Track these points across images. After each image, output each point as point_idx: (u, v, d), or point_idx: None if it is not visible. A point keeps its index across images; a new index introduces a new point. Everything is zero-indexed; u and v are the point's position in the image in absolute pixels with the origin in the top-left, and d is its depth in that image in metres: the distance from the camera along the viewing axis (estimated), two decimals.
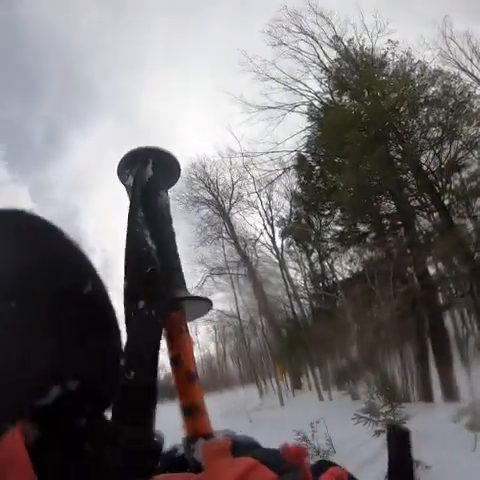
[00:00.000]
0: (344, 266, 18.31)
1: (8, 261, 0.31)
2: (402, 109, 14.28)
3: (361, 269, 15.93)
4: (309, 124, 17.47)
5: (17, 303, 0.30)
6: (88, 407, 0.35)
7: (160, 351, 0.53)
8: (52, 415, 0.32)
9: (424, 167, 14.26)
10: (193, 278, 22.90)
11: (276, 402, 16.52)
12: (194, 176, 22.88)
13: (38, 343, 0.30)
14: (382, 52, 15.48)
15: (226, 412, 13.04)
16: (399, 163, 14.65)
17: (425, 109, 14.16)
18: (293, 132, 17.68)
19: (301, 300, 20.45)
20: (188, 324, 0.67)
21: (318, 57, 16.57)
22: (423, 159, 14.31)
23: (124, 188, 0.68)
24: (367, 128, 14.25)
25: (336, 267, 19.00)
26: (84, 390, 0.33)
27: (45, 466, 0.33)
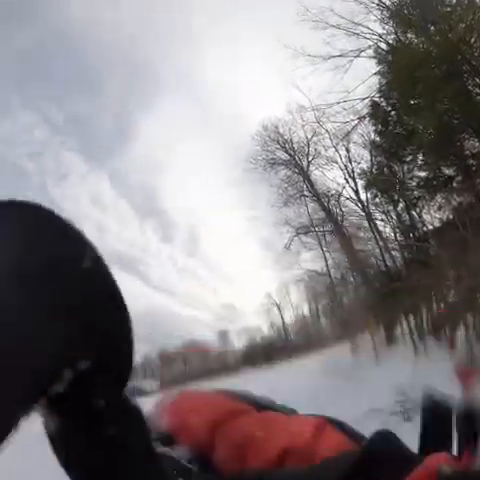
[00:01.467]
0: (433, 214, 17.31)
1: (7, 248, 0.31)
2: (473, 40, 12.73)
3: (451, 216, 14.97)
4: (378, 68, 16.37)
5: (18, 288, 0.30)
6: (104, 387, 0.35)
7: None
8: (68, 400, 0.32)
9: None
10: (280, 240, 23.23)
11: (371, 357, 16.44)
12: (268, 138, 22.80)
13: (43, 326, 0.29)
14: None
15: (323, 371, 13.26)
16: (478, 97, 13.24)
17: None
18: (363, 78, 16.75)
19: (392, 252, 19.76)
20: None
21: None
22: None
23: None
24: (438, 64, 12.99)
25: (425, 216, 18.01)
26: (97, 369, 0.33)
27: (68, 454, 0.35)
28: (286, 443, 0.50)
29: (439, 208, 16.48)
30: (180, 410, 0.57)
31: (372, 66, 16.49)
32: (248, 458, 0.51)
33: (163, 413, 0.56)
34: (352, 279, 22.76)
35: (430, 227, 17.37)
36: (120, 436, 0.36)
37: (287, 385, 14.80)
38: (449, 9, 13.54)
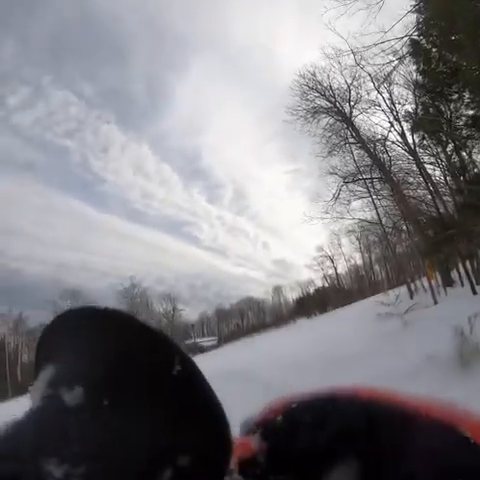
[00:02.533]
0: None
1: (98, 358, 0.34)
2: None
3: None
4: (413, 3, 15.23)
5: (111, 400, 0.31)
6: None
7: None
8: None
9: None
10: (328, 190, 22.94)
11: (429, 301, 16.31)
12: (306, 87, 22.11)
13: (141, 431, 0.31)
14: None
15: (377, 316, 13.25)
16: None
17: None
18: (398, 16, 15.67)
19: (444, 197, 19.05)
20: None
21: None
22: None
23: None
24: None
25: (475, 156, 17.11)
26: (195, 466, 0.33)
27: None
28: None
29: None
30: None
31: (406, 2, 15.41)
32: None
33: None
34: (405, 227, 22.24)
35: None
36: None
37: (342, 331, 15.01)
38: None
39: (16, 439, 0.28)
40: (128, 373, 0.33)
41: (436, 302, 16.30)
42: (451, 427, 0.38)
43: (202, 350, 51.66)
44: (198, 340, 62.64)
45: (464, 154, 17.50)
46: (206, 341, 60.81)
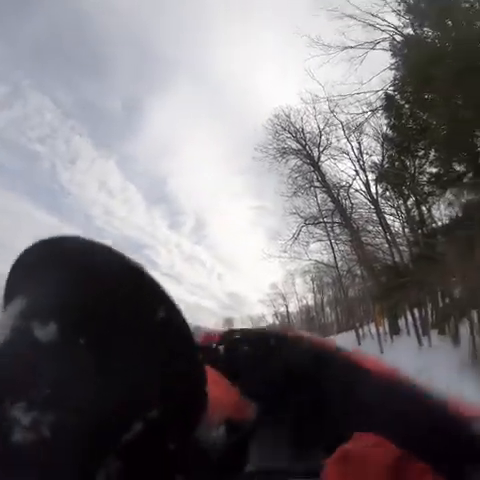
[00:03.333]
0: (443, 211, 17.23)
1: (74, 295, 0.31)
2: None
3: (460, 213, 14.90)
4: (393, 61, 16.18)
5: (88, 339, 0.29)
6: (174, 432, 0.34)
7: None
8: (137, 447, 0.31)
9: None
10: (288, 230, 23.24)
11: (375, 348, 16.51)
12: (279, 127, 22.69)
13: (116, 378, 0.29)
14: None
15: None
16: None
17: None
18: (377, 71, 16.58)
19: (400, 247, 19.73)
20: None
21: None
22: None
23: None
24: (454, 60, 12.82)
25: (434, 212, 17.93)
26: (167, 417, 0.32)
27: None
28: None
29: (449, 204, 16.41)
30: None
31: (387, 59, 16.33)
32: None
33: None
34: (359, 272, 22.76)
35: (439, 223, 17.30)
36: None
37: None
38: (467, 5, 13.33)
39: None
40: (108, 313, 0.31)
41: (382, 351, 16.49)
42: (395, 380, 0.40)
43: None
44: None
45: (424, 209, 18.27)
46: None
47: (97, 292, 0.31)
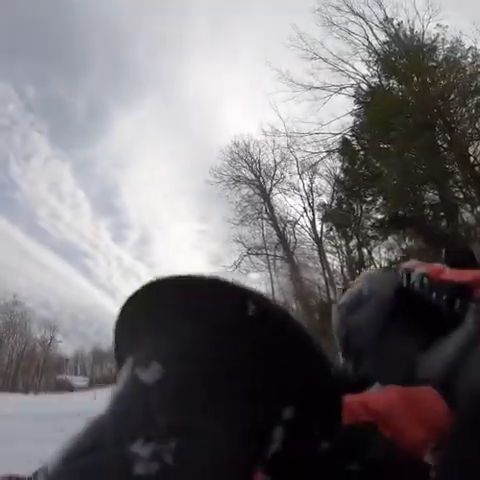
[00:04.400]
0: (382, 255, 18.04)
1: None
2: (451, 97, 13.63)
3: (399, 258, 15.63)
4: (355, 107, 17.08)
5: (193, 367, 0.29)
6: (321, 428, 0.32)
7: None
8: (291, 458, 0.30)
9: (471, 158, 13.61)
10: (230, 256, 23.26)
11: None
12: (236, 155, 23.05)
13: (233, 395, 0.29)
14: (432, 37, 14.81)
15: None
16: (445, 152, 14.11)
17: (475, 98, 13.38)
18: (338, 114, 17.39)
19: (337, 286, 20.30)
20: None
21: (367, 39, 16.11)
22: (471, 150, 13.65)
23: None
24: (414, 114, 13.75)
25: (374, 255, 18.72)
26: (306, 413, 0.31)
27: None
28: None
29: (389, 249, 17.20)
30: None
31: (349, 104, 17.23)
32: None
33: None
34: (295, 306, 23.09)
35: (377, 266, 18.01)
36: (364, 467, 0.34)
37: None
38: (434, 64, 14.47)
39: (98, 429, 0.28)
40: (205, 338, 0.31)
41: None
42: None
43: (71, 389, 48.66)
44: (69, 377, 58.35)
45: (365, 251, 19.02)
46: (77, 380, 56.72)
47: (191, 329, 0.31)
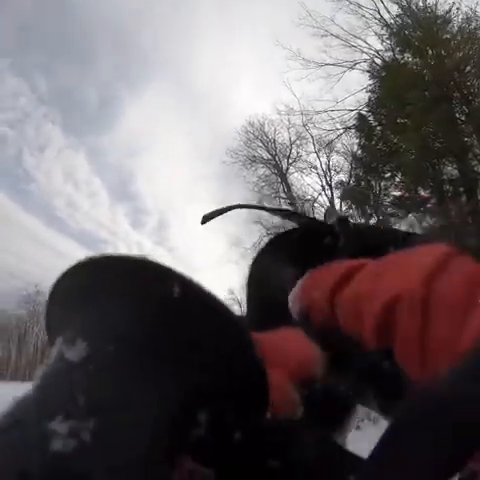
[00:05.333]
0: None
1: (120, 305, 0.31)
2: (468, 69, 13.14)
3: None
4: (370, 82, 16.62)
5: (118, 345, 0.29)
6: (240, 417, 0.32)
7: None
8: (209, 441, 0.30)
9: None
10: (250, 237, 23.28)
11: None
12: (252, 135, 22.83)
13: (156, 373, 0.29)
14: (446, 8, 14.24)
15: None
16: (463, 125, 13.67)
17: None
18: (353, 90, 16.96)
19: None
20: None
21: (379, 12, 15.50)
22: None
23: None
24: (430, 88, 13.33)
25: None
26: (228, 397, 0.31)
27: None
28: (393, 292, 0.38)
29: (410, 226, 16.92)
30: (306, 290, 0.48)
31: (364, 80, 16.76)
32: (361, 320, 0.40)
33: (295, 299, 0.48)
34: None
35: None
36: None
37: None
38: (449, 36, 13.94)
39: (20, 408, 0.27)
40: (129, 315, 0.31)
41: None
42: None
43: None
44: None
45: None
46: None
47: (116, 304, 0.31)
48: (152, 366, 0.29)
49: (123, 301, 0.31)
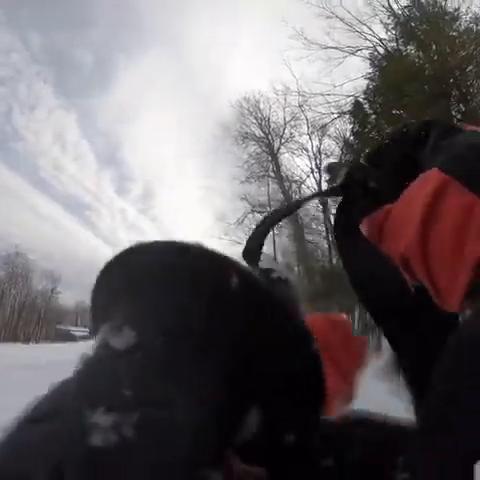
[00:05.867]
0: None
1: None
2: (469, 68, 13.25)
3: None
4: (370, 70, 16.63)
5: (167, 335, 0.28)
6: (295, 419, 0.31)
7: None
8: (258, 444, 0.29)
9: None
10: (234, 214, 23.40)
11: None
12: (246, 111, 22.70)
13: (207, 368, 0.27)
14: (455, 5, 14.24)
15: None
16: (459, 124, 13.83)
17: None
18: (352, 77, 17.00)
19: None
20: None
21: (388, 1, 15.43)
22: None
23: None
24: (430, 82, 13.43)
25: None
26: (282, 399, 0.30)
27: None
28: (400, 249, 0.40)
29: None
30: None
31: (364, 67, 16.81)
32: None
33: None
34: (296, 268, 23.43)
35: None
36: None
37: None
38: (455, 34, 13.99)
39: (59, 395, 0.26)
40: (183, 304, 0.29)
41: None
42: None
43: (73, 339, 49.46)
44: (70, 328, 59.91)
45: None
46: (78, 331, 57.79)
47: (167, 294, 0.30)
48: (202, 361, 0.27)
49: (176, 291, 0.30)
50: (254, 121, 22.62)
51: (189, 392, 0.25)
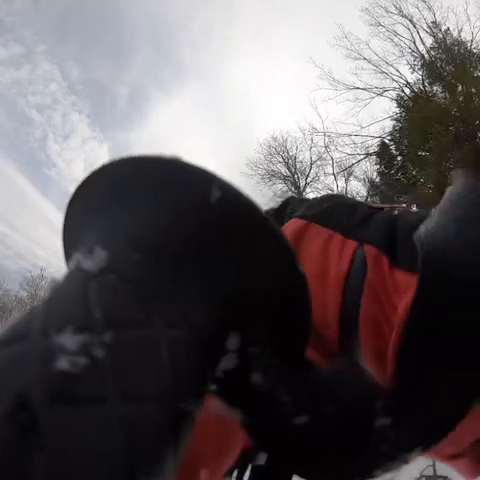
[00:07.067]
0: None
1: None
2: None
3: None
4: (397, 111, 16.48)
5: (143, 254, 0.24)
6: (269, 356, 0.27)
7: None
8: (238, 379, 0.26)
9: None
10: None
11: None
12: (274, 150, 22.81)
13: (184, 288, 0.24)
14: None
15: None
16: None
17: None
18: (378, 117, 16.84)
19: None
20: None
21: (414, 43, 15.37)
22: None
23: None
24: (455, 124, 13.14)
25: None
26: (261, 328, 0.27)
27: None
28: None
29: None
30: None
31: (390, 108, 16.67)
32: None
33: None
34: None
35: None
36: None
37: None
38: None
39: (27, 320, 0.23)
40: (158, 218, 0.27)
41: None
42: None
43: None
44: None
45: None
46: None
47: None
48: (181, 279, 0.24)
49: (152, 205, 0.26)
50: (281, 160, 22.65)
51: (167, 312, 0.23)
